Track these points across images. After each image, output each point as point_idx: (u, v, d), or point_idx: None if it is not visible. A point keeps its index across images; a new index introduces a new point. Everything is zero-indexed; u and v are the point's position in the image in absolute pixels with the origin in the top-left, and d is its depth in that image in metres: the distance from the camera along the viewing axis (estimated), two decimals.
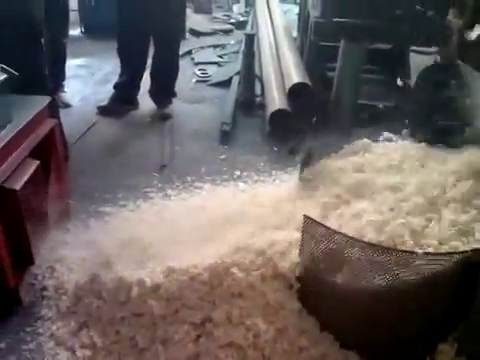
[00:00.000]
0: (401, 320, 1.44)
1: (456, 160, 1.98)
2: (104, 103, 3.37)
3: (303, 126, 3.00)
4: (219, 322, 1.59)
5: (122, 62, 3.34)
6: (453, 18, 3.60)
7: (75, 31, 5.03)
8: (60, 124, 2.24)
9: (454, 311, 1.49)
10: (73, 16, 4.29)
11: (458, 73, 2.09)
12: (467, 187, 1.72)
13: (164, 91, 3.43)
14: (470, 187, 1.72)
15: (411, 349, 1.51)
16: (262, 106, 3.41)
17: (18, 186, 1.66)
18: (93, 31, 5.04)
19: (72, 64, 4.07)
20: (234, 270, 1.63)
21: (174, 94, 3.48)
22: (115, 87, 3.39)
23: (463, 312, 1.46)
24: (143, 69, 3.35)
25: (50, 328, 1.66)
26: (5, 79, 1.68)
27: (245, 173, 2.64)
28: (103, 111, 3.32)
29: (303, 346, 1.54)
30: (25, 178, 1.71)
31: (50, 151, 2.01)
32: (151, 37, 3.25)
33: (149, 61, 3.37)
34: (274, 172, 2.64)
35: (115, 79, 3.44)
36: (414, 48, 3.79)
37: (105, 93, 3.52)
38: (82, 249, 1.93)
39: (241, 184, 2.51)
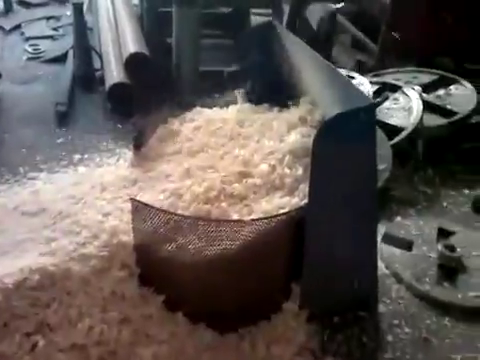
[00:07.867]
0: (241, 286, 1.45)
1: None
2: None
3: (146, 98, 2.87)
4: (56, 325, 1.46)
5: None
6: None
7: None
8: None
9: (294, 267, 1.55)
10: None
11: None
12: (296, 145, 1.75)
13: None
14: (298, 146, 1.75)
15: (256, 311, 1.54)
16: (102, 81, 3.18)
17: None
18: None
19: None
20: (66, 266, 1.49)
21: None
22: None
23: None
24: None
25: None
26: None
27: (86, 156, 2.44)
28: None
29: (150, 332, 1.49)
30: None
31: None
32: None
33: None
34: (118, 150, 2.48)
35: None
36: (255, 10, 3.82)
37: None
38: None
39: (82, 168, 2.33)
